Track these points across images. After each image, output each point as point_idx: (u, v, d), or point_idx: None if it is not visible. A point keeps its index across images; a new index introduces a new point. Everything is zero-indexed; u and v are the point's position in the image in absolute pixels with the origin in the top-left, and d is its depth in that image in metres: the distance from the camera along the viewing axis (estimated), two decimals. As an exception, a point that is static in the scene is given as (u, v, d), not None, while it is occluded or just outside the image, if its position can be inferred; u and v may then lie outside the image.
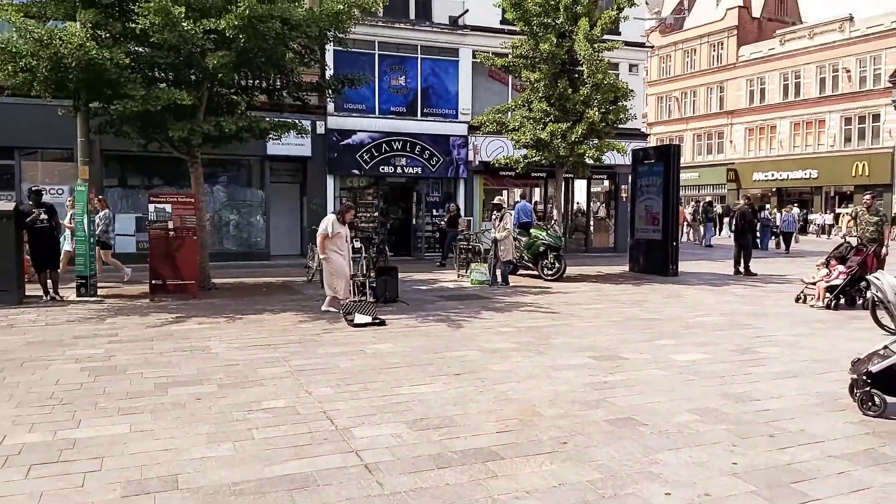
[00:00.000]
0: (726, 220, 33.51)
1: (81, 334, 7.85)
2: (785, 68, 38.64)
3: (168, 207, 10.73)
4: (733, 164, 41.07)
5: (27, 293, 10.53)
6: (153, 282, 10.70)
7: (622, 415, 4.98)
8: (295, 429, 4.60)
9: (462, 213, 19.23)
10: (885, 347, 5.17)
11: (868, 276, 6.30)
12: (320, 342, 7.48)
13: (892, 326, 8.00)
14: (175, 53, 10.57)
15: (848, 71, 35.75)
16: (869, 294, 10.03)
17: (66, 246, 12.40)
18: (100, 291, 11.47)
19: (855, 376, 5.16)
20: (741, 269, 15.05)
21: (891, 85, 32.66)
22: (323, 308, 9.54)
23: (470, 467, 3.96)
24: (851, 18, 35.75)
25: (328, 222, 9.51)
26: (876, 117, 34.51)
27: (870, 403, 5.00)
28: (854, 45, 35.35)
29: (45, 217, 10.56)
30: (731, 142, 41.78)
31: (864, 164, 34.61)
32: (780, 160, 38.60)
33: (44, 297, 10.35)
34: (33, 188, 11.61)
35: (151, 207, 10.75)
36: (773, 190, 39.38)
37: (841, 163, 35.48)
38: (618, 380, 5.98)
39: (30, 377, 5.91)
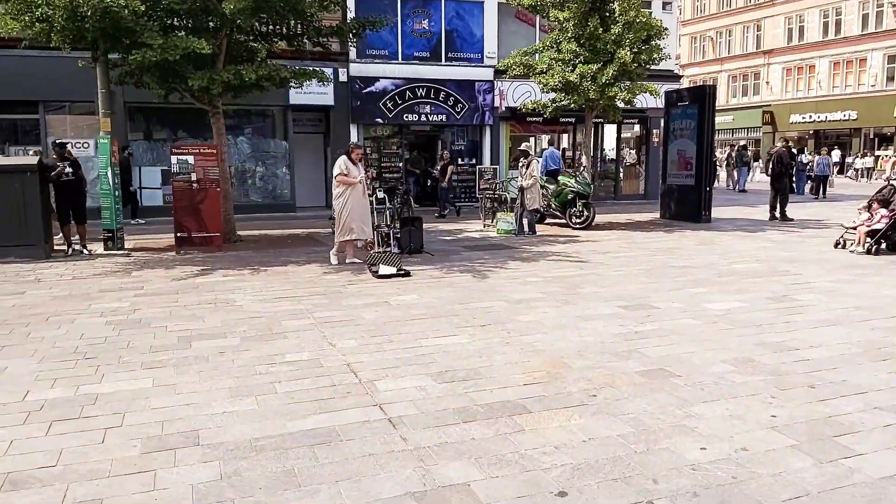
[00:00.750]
0: (758, 163, 32.57)
1: (107, 288, 7.88)
2: (825, 4, 36.76)
3: (191, 159, 10.62)
4: (769, 106, 39.64)
5: (56, 247, 10.63)
6: (178, 234, 10.69)
7: (654, 366, 4.81)
8: (318, 382, 4.52)
9: (479, 161, 19.01)
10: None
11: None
12: (345, 294, 7.40)
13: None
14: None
15: (893, 5, 33.86)
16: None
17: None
18: (126, 244, 11.54)
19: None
20: (777, 214, 14.58)
21: (940, 18, 30.90)
22: (333, 259, 9.37)
23: (496, 421, 3.84)
24: (899, -52, 33.64)
25: (339, 161, 9.28)
26: (922, 54, 32.82)
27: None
28: (902, -25, 33.36)
29: (70, 171, 10.54)
30: (767, 83, 40.24)
31: (907, 104, 33.09)
32: (819, 101, 37.12)
33: (67, 251, 10.40)
34: (57, 141, 11.59)
35: (174, 159, 10.66)
36: (811, 132, 38.05)
37: (882, 103, 33.95)
38: (649, 329, 5.79)
39: (55, 332, 5.92)
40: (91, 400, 4.26)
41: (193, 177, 10.61)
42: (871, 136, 36.04)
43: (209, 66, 11.01)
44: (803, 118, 37.92)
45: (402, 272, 8.46)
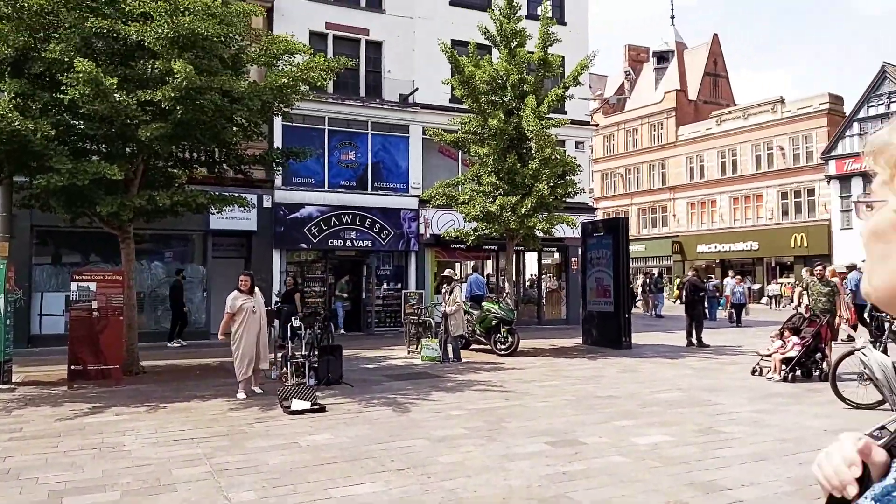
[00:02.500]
0: (666, 291, 33.93)
1: (-23, 431, 6.95)
2: (722, 146, 40.26)
3: (93, 286, 9.98)
4: (678, 236, 42.03)
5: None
6: (72, 367, 9.81)
7: (584, 514, 4.45)
8: (206, 546, 3.91)
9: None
10: (882, 428, 4.81)
11: (856, 352, 6.04)
12: (249, 434, 6.77)
13: (860, 402, 7.79)
14: (107, 125, 10.09)
15: (782, 149, 37.43)
16: (825, 366, 9.90)
17: None
18: (15, 377, 10.47)
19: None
20: (694, 340, 14.89)
21: (822, 162, 34.26)
22: (240, 394, 8.89)
23: (410, 591, 3.35)
24: (782, 100, 37.72)
25: (229, 298, 9.04)
26: (811, 191, 35.96)
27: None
28: (786, 124, 37.15)
29: (-46, 298, 9.66)
30: (674, 216, 42.89)
31: (802, 236, 35.75)
32: (722, 233, 39.66)
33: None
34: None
35: (74, 286, 10.00)
36: (717, 261, 40.29)
37: (780, 234, 36.61)
38: (577, 470, 5.46)
39: None
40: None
41: (94, 304, 9.91)
42: (773, 265, 38.46)
43: (122, 191, 10.65)
44: (709, 248, 40.26)
45: (317, 407, 7.90)
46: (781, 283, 34.77)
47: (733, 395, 8.86)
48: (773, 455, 5.93)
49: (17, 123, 8.85)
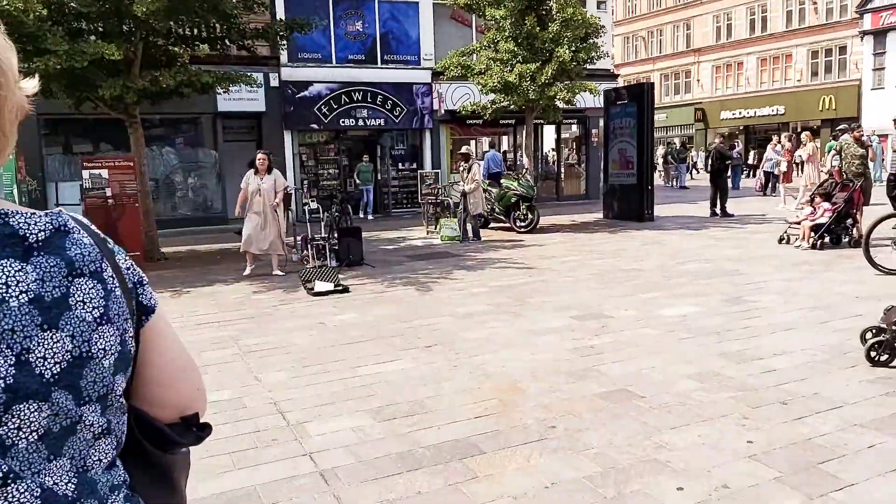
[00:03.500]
0: (692, 158, 33.07)
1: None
2: (751, 2, 37.83)
3: (104, 173, 9.80)
4: (701, 103, 40.54)
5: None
6: (94, 255, 9.81)
7: (615, 386, 4.41)
8: (239, 428, 3.94)
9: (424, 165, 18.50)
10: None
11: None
12: (275, 316, 6.78)
13: (893, 267, 7.59)
14: (101, 1, 9.47)
15: (815, 2, 35.11)
16: (855, 232, 9.65)
17: None
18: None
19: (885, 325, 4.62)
20: (717, 210, 14.60)
21: (857, 16, 32.14)
22: (244, 273, 9.14)
23: (445, 467, 3.35)
24: (818, -52, 34.89)
25: (245, 177, 9.08)
26: (843, 49, 34.04)
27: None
28: (821, -26, 34.61)
29: (-32, 190, 9.56)
30: (698, 81, 41.14)
31: (830, 98, 34.26)
32: (748, 97, 38.14)
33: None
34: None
35: (86, 174, 9.83)
36: (741, 128, 39.06)
37: (808, 97, 35.11)
38: (605, 343, 5.41)
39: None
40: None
41: (108, 192, 9.77)
42: (798, 130, 37.18)
43: (123, 73, 10.18)
44: (733, 114, 38.89)
45: (340, 288, 7.89)
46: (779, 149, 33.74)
47: (761, 265, 8.69)
48: (804, 324, 5.83)
49: (5, 3, 8.30)
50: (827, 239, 9.86)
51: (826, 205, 9.94)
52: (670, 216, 15.11)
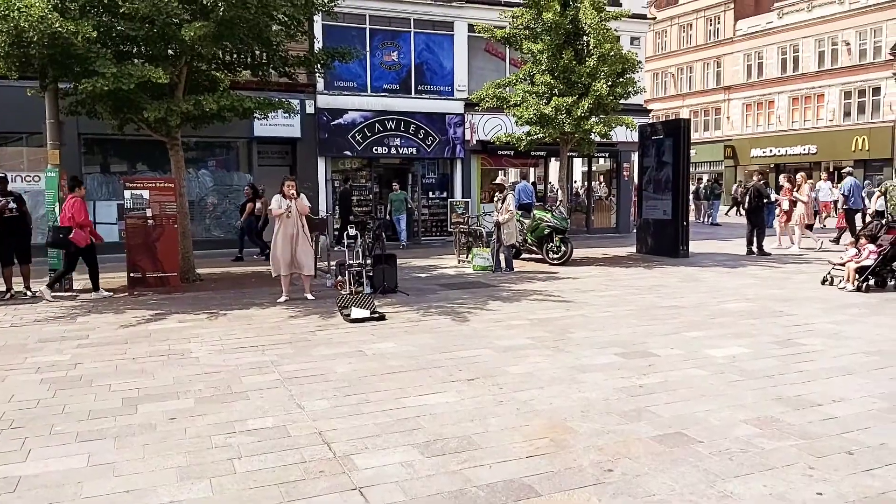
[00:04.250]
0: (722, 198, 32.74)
1: (48, 337, 7.06)
2: (783, 42, 37.74)
3: (145, 194, 9.91)
4: (731, 140, 40.31)
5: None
6: (131, 274, 9.91)
7: (670, 429, 4.26)
8: (285, 457, 3.85)
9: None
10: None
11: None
12: (313, 342, 6.72)
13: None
14: (149, 25, 9.69)
15: (847, 44, 34.89)
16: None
17: None
18: (76, 285, 10.67)
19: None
20: (754, 248, 14.35)
21: (891, 57, 31.84)
22: (279, 300, 9.13)
23: (501, 508, 3.22)
24: (852, -11, 34.82)
25: (274, 200, 9.20)
26: (876, 90, 33.73)
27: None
28: (854, 17, 34.45)
29: (14, 206, 9.69)
30: (728, 118, 40.97)
31: (863, 139, 33.87)
32: (779, 136, 37.84)
33: (5, 295, 9.48)
34: (-3, 175, 10.73)
35: (127, 194, 9.94)
36: (772, 166, 38.68)
37: (840, 137, 34.74)
38: (654, 383, 5.25)
39: (-21, 393, 5.13)
40: (10, 486, 3.52)
41: (149, 212, 9.88)
42: (831, 170, 36.77)
43: (167, 95, 10.37)
44: (764, 152, 38.57)
45: (377, 315, 7.82)
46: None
47: (806, 306, 8.47)
48: (860, 369, 5.62)
49: (57, 25, 8.51)
50: (872, 281, 9.61)
51: (871, 247, 9.70)
52: (706, 253, 14.88)
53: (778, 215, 16.08)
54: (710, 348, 6.31)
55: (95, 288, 9.72)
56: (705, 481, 3.51)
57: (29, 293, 9.64)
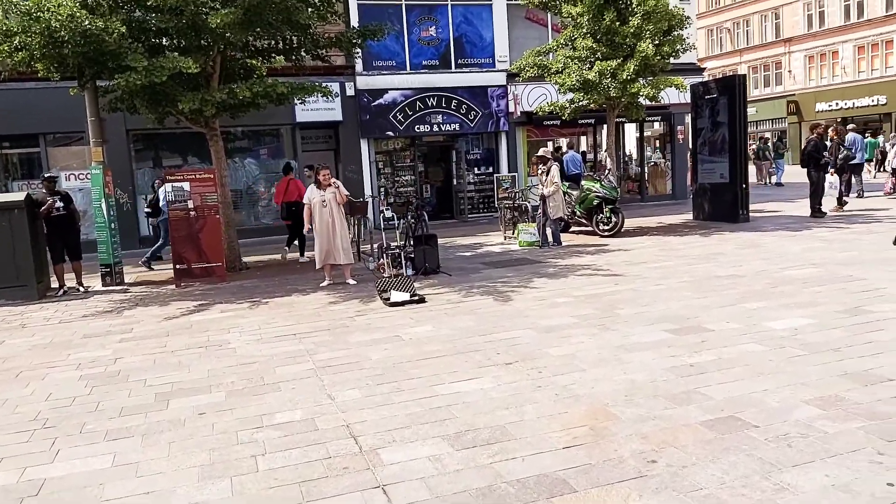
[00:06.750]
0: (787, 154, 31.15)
1: (92, 332, 7.15)
2: (847, -14, 35.43)
3: (186, 185, 9.93)
4: (793, 95, 38.26)
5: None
6: (177, 266, 9.99)
7: (722, 413, 3.91)
8: (309, 453, 3.70)
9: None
10: None
11: None
12: (351, 328, 6.58)
13: None
14: (177, 16, 9.64)
15: (920, -18, 32.48)
16: None
17: None
18: (127, 278, 10.90)
19: None
20: (822, 208, 13.45)
21: (972, -7, 29.44)
22: (321, 284, 9.19)
23: (531, 507, 2.98)
24: (924, -78, 32.26)
25: (307, 192, 9.23)
26: (953, 32, 31.35)
27: None
28: (926, -48, 31.98)
29: (61, 205, 9.90)
30: (789, 72, 38.86)
31: (939, 86, 31.62)
32: (845, 87, 35.67)
33: (58, 292, 9.72)
34: (45, 174, 11.00)
35: (168, 187, 10.00)
36: (839, 120, 36.56)
37: (913, 86, 32.51)
38: (707, 361, 4.88)
39: (20, 392, 5.18)
40: (34, 488, 3.49)
41: (190, 204, 9.92)
42: (904, 121, 34.49)
43: (203, 86, 10.36)
44: (829, 106, 36.48)
45: (416, 298, 7.63)
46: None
47: (877, 269, 7.82)
48: (940, 337, 5.10)
49: (87, 23, 8.55)
50: (953, 239, 8.84)
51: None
52: (767, 216, 14.10)
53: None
54: (769, 321, 5.85)
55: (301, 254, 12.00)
56: (760, 472, 3.17)
57: (81, 289, 9.86)
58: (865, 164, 20.27)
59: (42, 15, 8.46)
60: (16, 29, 8.80)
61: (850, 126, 19.05)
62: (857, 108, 35.27)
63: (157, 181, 14.38)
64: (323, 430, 4.03)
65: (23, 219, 9.35)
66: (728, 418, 3.82)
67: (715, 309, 6.39)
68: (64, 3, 8.43)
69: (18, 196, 9.78)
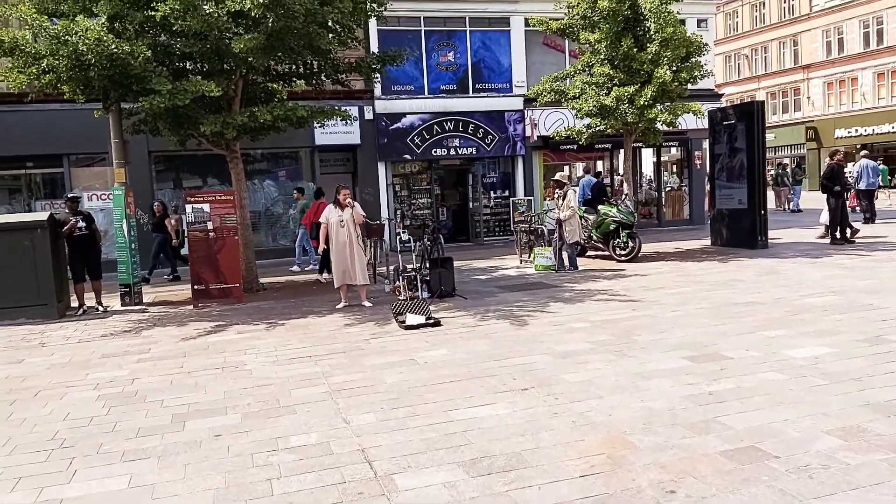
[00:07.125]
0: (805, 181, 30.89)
1: (111, 352, 7.21)
2: (865, 14, 35.38)
3: (206, 207, 10.07)
4: (812, 121, 38.09)
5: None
6: (195, 287, 10.08)
7: (742, 442, 3.85)
8: (324, 477, 3.69)
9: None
10: None
11: None
12: (366, 351, 6.58)
13: None
14: (202, 41, 9.84)
15: (940, 9, 32.40)
16: None
17: None
18: (146, 298, 11.00)
19: None
20: (839, 234, 13.33)
21: None
22: (338, 306, 9.27)
23: (548, 537, 2.94)
24: (943, -50, 32.27)
25: (325, 211, 9.32)
26: (975, 58, 31.13)
27: None
28: (945, -21, 31.93)
29: (83, 225, 10.06)
30: (808, 98, 38.74)
31: (961, 113, 31.32)
32: (865, 114, 35.48)
33: (78, 311, 9.84)
34: (69, 195, 11.20)
35: (188, 208, 10.13)
36: (858, 147, 36.29)
37: (934, 112, 32.26)
38: (726, 389, 4.82)
39: (39, 411, 5.23)
40: (51, 509, 3.50)
41: (210, 225, 10.03)
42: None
43: (224, 109, 10.54)
44: (849, 132, 36.26)
45: (432, 321, 7.63)
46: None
47: (899, 297, 7.72)
48: (966, 369, 5.00)
49: (113, 47, 8.75)
50: (977, 268, 8.69)
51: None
52: (786, 242, 13.98)
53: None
54: (789, 349, 5.78)
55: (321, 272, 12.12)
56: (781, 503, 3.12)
57: (100, 308, 9.96)
58: (879, 191, 20.15)
59: (70, 38, 8.68)
60: (44, 52, 9.03)
61: (864, 152, 18.93)
62: (877, 134, 35.03)
63: (156, 203, 14.58)
64: (338, 454, 4.02)
65: (45, 238, 9.50)
66: (748, 448, 3.76)
67: (734, 336, 6.32)
68: (92, 27, 8.64)
69: (41, 216, 9.93)
